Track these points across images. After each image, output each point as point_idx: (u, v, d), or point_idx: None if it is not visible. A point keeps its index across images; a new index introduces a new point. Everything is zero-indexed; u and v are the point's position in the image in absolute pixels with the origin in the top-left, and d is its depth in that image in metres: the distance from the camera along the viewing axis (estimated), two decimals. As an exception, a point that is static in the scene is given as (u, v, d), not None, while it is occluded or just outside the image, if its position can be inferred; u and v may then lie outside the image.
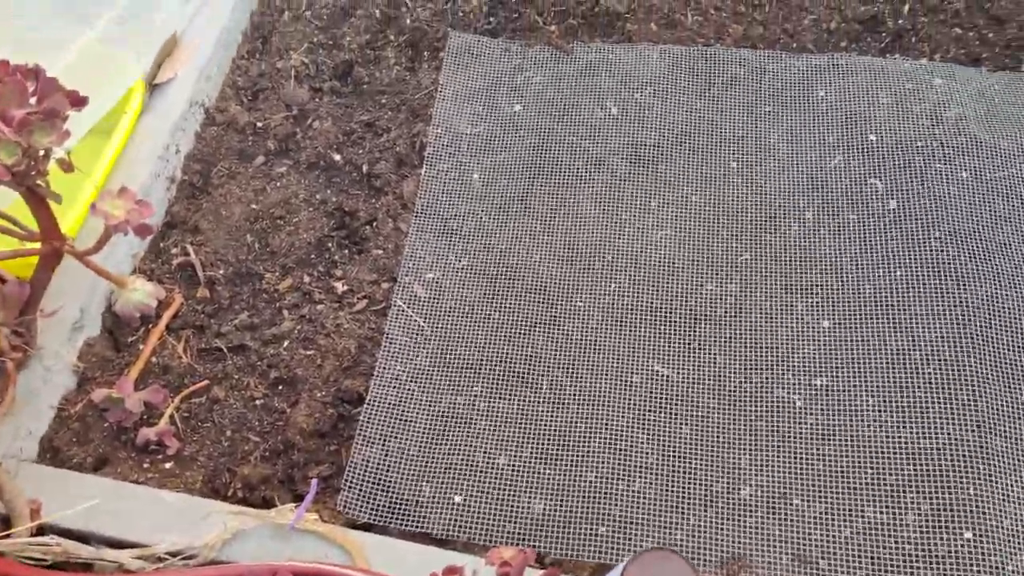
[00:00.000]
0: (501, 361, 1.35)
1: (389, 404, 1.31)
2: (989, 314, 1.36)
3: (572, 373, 1.34)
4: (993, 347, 1.32)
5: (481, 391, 1.32)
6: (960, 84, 1.61)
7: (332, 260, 1.49)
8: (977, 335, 1.33)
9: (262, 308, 1.43)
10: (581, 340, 1.37)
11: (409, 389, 1.32)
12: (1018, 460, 1.23)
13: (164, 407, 1.29)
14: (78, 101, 1.04)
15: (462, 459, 1.27)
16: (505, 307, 1.41)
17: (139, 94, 1.51)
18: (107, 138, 1.48)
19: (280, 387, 1.34)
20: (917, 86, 1.61)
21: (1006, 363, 1.31)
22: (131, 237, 1.33)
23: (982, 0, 1.69)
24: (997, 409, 1.27)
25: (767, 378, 1.32)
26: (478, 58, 1.70)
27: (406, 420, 1.30)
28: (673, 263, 1.44)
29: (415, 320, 1.40)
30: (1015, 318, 1.35)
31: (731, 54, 1.66)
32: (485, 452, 1.27)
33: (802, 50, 1.66)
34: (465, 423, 1.30)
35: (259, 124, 1.61)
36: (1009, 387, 1.29)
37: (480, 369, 1.35)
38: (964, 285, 1.39)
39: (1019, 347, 1.33)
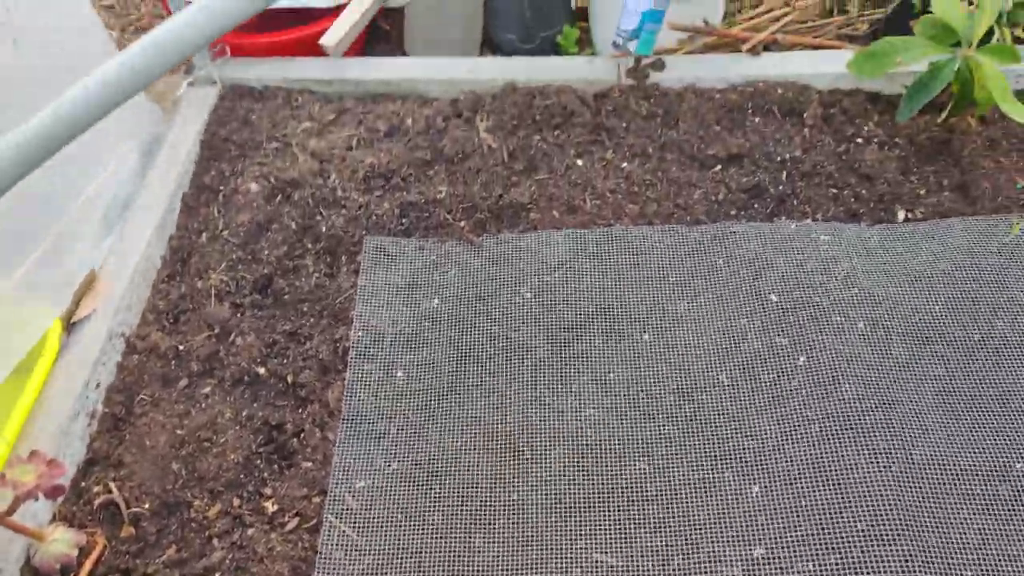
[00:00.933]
0: (439, 568, 1.33)
1: (327, 631, 1.27)
2: (904, 462, 1.40)
3: (512, 573, 1.32)
4: (912, 494, 1.36)
5: (421, 605, 1.29)
6: (844, 239, 1.73)
7: (261, 478, 1.47)
8: (898, 483, 1.37)
9: (191, 539, 1.39)
10: (520, 536, 1.36)
11: (346, 612, 1.29)
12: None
13: (88, 666, 1.22)
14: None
15: None
16: (439, 509, 1.40)
17: (56, 335, 1.52)
18: (29, 376, 1.48)
19: (211, 627, 1.29)
20: (806, 245, 1.73)
21: (928, 509, 1.35)
22: (49, 484, 1.30)
23: (850, 161, 1.85)
24: (927, 561, 1.29)
25: (707, 555, 1.33)
26: (394, 258, 1.76)
27: (346, 646, 1.26)
28: (600, 445, 1.47)
29: (348, 534, 1.37)
30: (927, 463, 1.40)
31: (631, 232, 1.76)
32: (430, 671, 1.23)
33: (696, 222, 1.78)
34: (407, 641, 1.26)
35: (181, 347, 1.62)
36: (937, 530, 1.32)
37: (418, 580, 1.32)
38: (877, 434, 1.44)
39: (936, 491, 1.37)
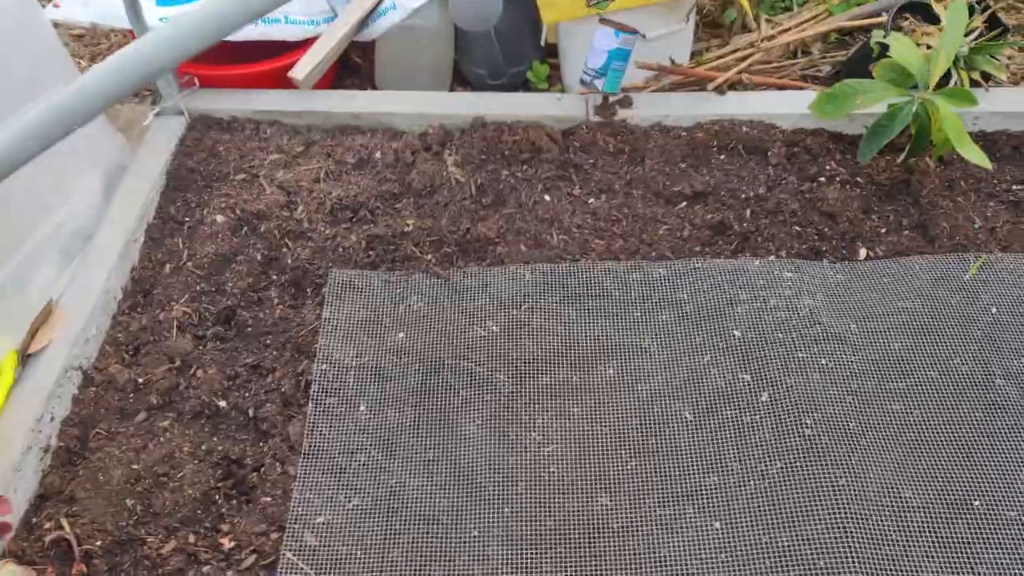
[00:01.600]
0: (398, 607, 1.31)
1: (281, 672, 1.24)
2: (862, 499, 1.41)
3: (472, 611, 1.31)
4: (869, 531, 1.37)
5: (378, 645, 1.27)
6: (807, 277, 1.76)
7: (219, 514, 1.44)
8: (855, 520, 1.38)
9: (144, 577, 1.36)
10: (480, 573, 1.35)
11: (301, 653, 1.26)
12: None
13: None
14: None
15: None
16: (400, 545, 1.38)
17: (11, 366, 1.49)
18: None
19: (161, 669, 1.26)
20: (769, 282, 1.75)
21: (885, 546, 1.35)
22: None
23: (813, 200, 1.88)
24: (888, 597, 1.29)
25: (666, 591, 1.32)
26: (360, 291, 1.76)
27: None
28: (563, 479, 1.46)
29: (306, 571, 1.35)
30: (885, 500, 1.41)
31: (597, 267, 1.77)
32: None
33: (661, 257, 1.79)
34: None
35: (140, 380, 1.60)
36: (896, 567, 1.33)
37: (376, 619, 1.30)
38: (838, 470, 1.44)
39: (893, 528, 1.38)
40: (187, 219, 1.86)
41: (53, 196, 1.81)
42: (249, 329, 1.69)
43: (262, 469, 1.49)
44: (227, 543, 1.40)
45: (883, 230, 1.85)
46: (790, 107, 2.05)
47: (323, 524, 1.41)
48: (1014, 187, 1.91)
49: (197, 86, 2.07)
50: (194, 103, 2.06)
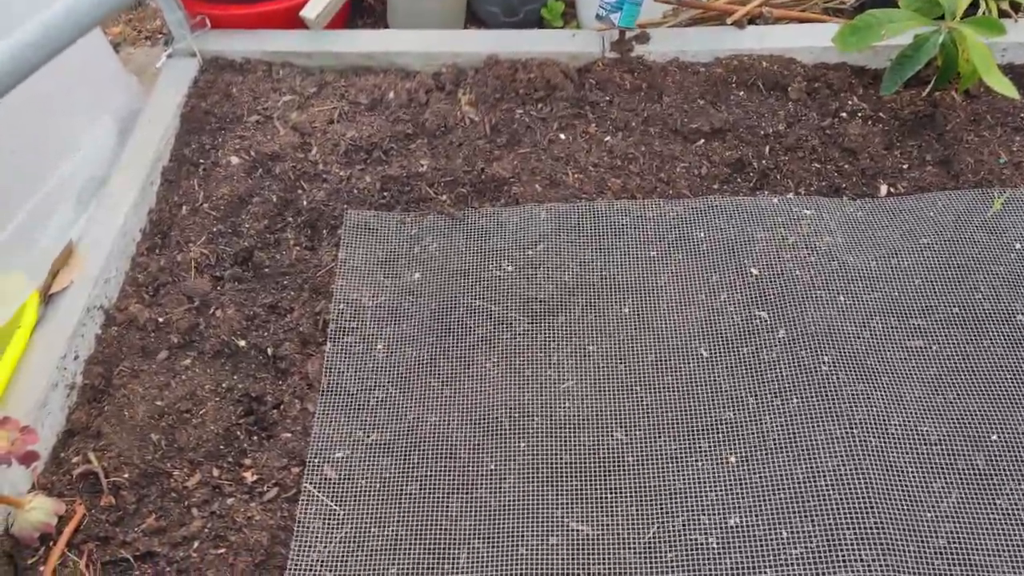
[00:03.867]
0: (417, 536, 1.34)
1: (304, 599, 1.27)
2: (880, 433, 1.41)
3: (490, 541, 1.33)
4: (886, 465, 1.37)
5: (398, 572, 1.30)
6: (827, 214, 1.73)
7: (241, 449, 1.47)
8: (872, 456, 1.38)
9: (170, 508, 1.40)
10: (496, 505, 1.37)
11: (323, 580, 1.29)
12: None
13: (66, 633, 1.23)
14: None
15: (383, 649, 1.23)
16: (417, 478, 1.41)
17: (34, 307, 1.52)
18: (6, 348, 1.47)
19: (190, 594, 1.29)
20: (788, 219, 1.73)
21: (903, 479, 1.36)
22: (27, 454, 1.30)
23: (834, 136, 1.84)
24: (899, 530, 1.30)
25: (682, 522, 1.34)
26: (375, 232, 1.76)
27: (323, 613, 1.26)
28: (579, 415, 1.47)
29: (327, 504, 1.38)
30: (903, 435, 1.41)
31: (613, 206, 1.76)
32: (406, 638, 1.24)
33: (678, 195, 1.77)
34: (384, 609, 1.27)
35: (160, 319, 1.62)
36: (907, 503, 1.33)
37: (396, 548, 1.33)
38: (856, 406, 1.44)
39: (911, 462, 1.38)
40: (202, 161, 1.86)
41: (67, 140, 1.81)
42: (266, 270, 1.70)
43: (282, 406, 1.51)
44: (250, 476, 1.43)
45: (905, 166, 1.81)
46: (812, 41, 2.00)
47: (342, 458, 1.44)
48: (1042, 120, 1.87)
49: (208, 27, 2.06)
50: (206, 44, 2.04)
